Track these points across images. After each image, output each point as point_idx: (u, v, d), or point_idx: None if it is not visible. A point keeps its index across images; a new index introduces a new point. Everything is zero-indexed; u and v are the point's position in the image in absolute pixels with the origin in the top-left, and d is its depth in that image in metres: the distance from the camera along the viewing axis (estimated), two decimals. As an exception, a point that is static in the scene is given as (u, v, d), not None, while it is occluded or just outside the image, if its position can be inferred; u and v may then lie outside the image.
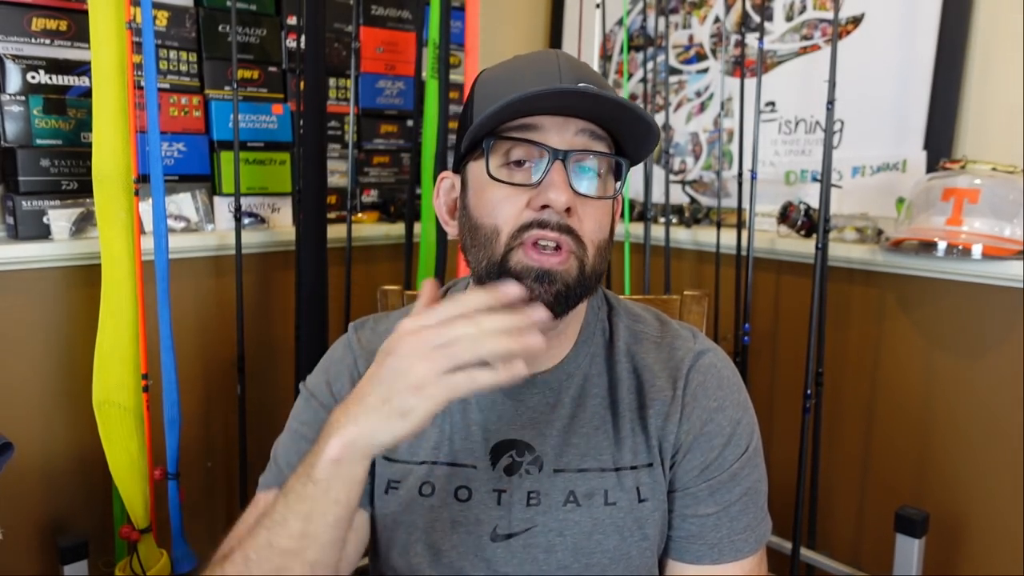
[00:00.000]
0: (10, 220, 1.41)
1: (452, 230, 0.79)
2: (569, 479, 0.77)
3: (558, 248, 0.69)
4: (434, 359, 0.58)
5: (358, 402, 0.61)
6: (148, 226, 1.43)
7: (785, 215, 1.67)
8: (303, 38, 1.54)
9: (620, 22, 2.01)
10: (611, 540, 0.76)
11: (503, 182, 0.70)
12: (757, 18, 1.77)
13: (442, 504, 0.78)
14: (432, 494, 0.78)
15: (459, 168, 0.78)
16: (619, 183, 0.74)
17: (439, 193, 0.81)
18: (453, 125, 1.34)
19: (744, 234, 1.65)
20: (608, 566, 0.77)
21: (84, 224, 1.44)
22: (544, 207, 0.69)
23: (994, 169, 1.35)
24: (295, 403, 0.85)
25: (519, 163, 0.71)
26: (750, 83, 1.74)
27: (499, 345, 0.58)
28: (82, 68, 1.44)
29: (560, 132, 0.70)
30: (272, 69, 1.69)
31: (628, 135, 0.73)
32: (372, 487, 0.81)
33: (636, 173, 2.01)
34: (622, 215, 1.86)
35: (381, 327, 0.85)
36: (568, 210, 0.68)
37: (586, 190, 0.71)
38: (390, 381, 0.59)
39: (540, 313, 0.62)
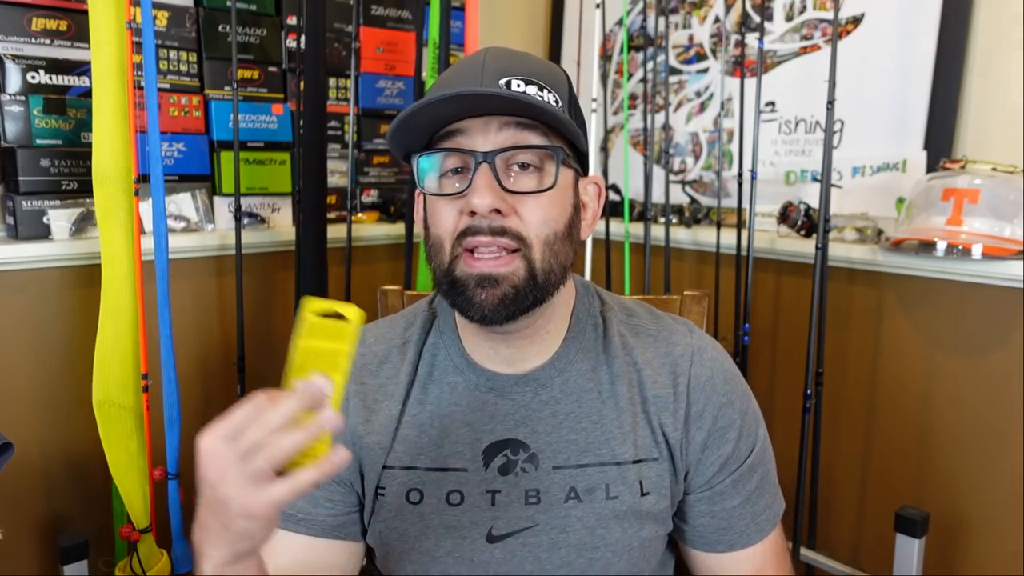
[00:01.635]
0: (10, 220, 1.41)
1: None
2: (569, 475, 0.76)
3: (500, 252, 0.69)
4: (241, 482, 0.54)
5: (203, 530, 0.59)
6: (148, 226, 1.43)
7: (785, 215, 1.66)
8: (303, 38, 1.54)
9: (620, 22, 2.01)
10: (614, 533, 0.76)
11: (438, 195, 0.71)
12: (757, 18, 1.77)
13: (433, 511, 0.77)
14: (420, 501, 0.77)
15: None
16: (557, 171, 0.70)
17: (419, 208, 0.80)
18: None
19: (744, 234, 1.65)
20: (611, 560, 0.77)
21: (84, 224, 1.44)
22: (473, 213, 0.68)
23: (994, 169, 1.35)
24: None
25: (456, 171, 0.71)
26: (750, 83, 1.74)
27: (292, 441, 0.55)
28: (82, 68, 1.44)
29: (484, 133, 0.69)
30: (272, 69, 1.69)
31: (552, 123, 0.70)
32: (368, 511, 0.80)
33: (636, 173, 2.01)
34: (618, 215, 1.86)
35: (370, 339, 0.84)
36: (499, 211, 0.68)
37: (522, 186, 0.70)
38: (218, 511, 0.56)
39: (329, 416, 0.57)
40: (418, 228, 0.79)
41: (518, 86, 0.69)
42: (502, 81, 0.68)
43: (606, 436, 0.77)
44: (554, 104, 0.70)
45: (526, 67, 0.71)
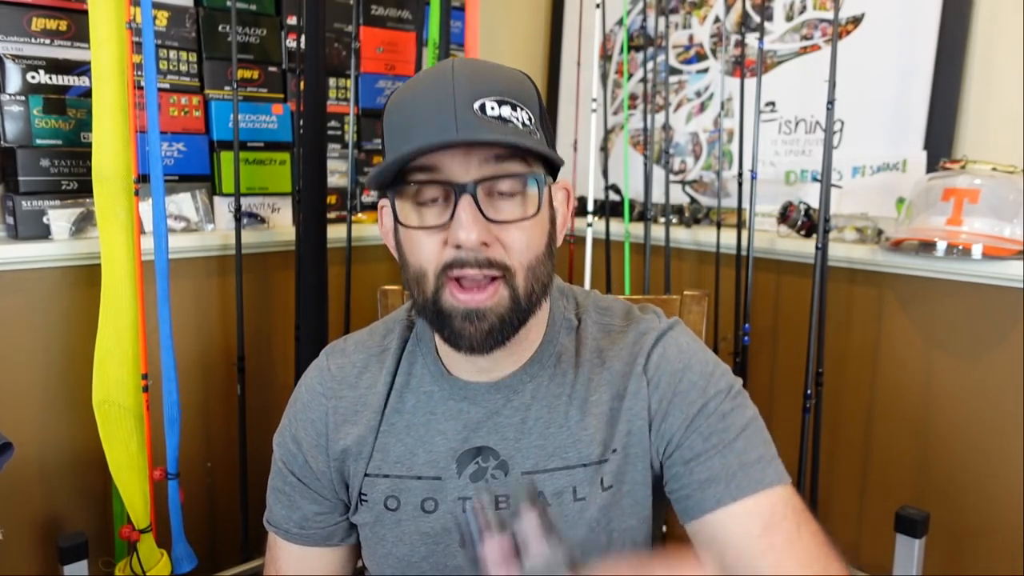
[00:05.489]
0: (10, 220, 1.41)
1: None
2: (537, 480, 0.78)
3: (485, 281, 0.68)
4: None
5: None
6: (148, 226, 1.43)
7: (785, 215, 1.66)
8: (303, 38, 1.54)
9: (620, 22, 2.01)
10: (580, 532, 0.77)
11: (416, 227, 0.69)
12: (757, 18, 1.77)
13: (409, 518, 0.79)
14: (397, 508, 0.79)
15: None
16: (540, 197, 0.70)
17: (382, 221, 0.78)
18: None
19: (744, 234, 1.65)
20: (579, 559, 0.77)
21: (84, 224, 1.44)
22: (459, 245, 0.67)
23: (994, 169, 1.35)
24: (273, 459, 0.86)
25: (434, 200, 0.69)
26: (750, 83, 1.74)
27: None
28: (82, 68, 1.44)
29: (464, 164, 0.67)
30: (272, 69, 1.69)
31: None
32: (353, 513, 0.82)
33: (636, 173, 2.01)
34: (618, 215, 1.86)
35: (350, 348, 0.85)
36: (485, 243, 0.67)
37: (506, 215, 0.68)
38: None
39: None
40: (390, 242, 0.78)
41: (492, 109, 0.67)
42: (476, 105, 0.66)
43: (572, 439, 0.78)
44: (528, 122, 0.69)
45: (498, 84, 0.69)
